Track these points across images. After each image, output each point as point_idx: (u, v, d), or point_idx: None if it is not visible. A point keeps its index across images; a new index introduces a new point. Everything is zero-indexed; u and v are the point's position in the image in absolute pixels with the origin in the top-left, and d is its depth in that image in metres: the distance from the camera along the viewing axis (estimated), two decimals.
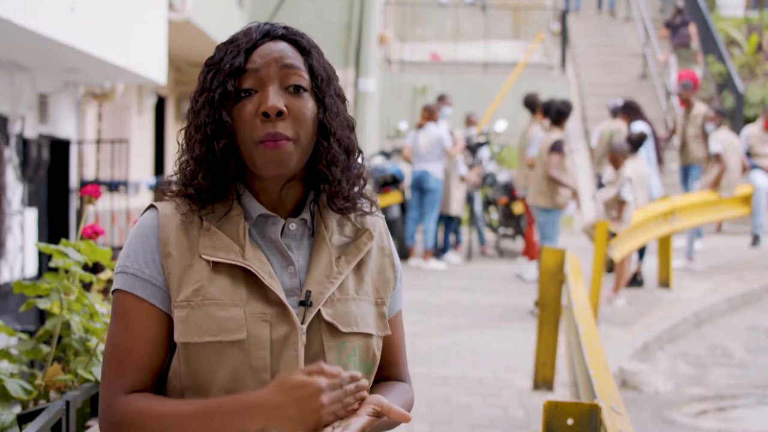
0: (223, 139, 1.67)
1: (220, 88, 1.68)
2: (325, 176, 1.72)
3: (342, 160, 1.73)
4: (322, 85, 1.72)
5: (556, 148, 8.59)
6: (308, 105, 1.69)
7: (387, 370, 1.84)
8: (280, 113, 1.65)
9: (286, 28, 1.75)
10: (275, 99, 1.66)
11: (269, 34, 1.72)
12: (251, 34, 1.71)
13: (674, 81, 17.23)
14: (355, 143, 1.77)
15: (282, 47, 1.71)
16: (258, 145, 1.66)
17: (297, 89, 1.69)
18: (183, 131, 1.74)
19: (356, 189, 1.77)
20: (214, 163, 1.68)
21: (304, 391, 1.53)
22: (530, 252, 10.83)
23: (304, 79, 1.70)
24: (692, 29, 16.71)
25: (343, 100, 1.77)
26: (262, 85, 1.68)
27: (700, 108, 11.78)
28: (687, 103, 11.80)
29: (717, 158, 10.95)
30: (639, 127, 10.29)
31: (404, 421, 1.64)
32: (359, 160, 1.78)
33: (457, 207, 11.80)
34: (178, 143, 1.75)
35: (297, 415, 1.53)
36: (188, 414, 1.59)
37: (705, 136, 11.45)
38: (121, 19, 7.55)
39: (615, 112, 11.28)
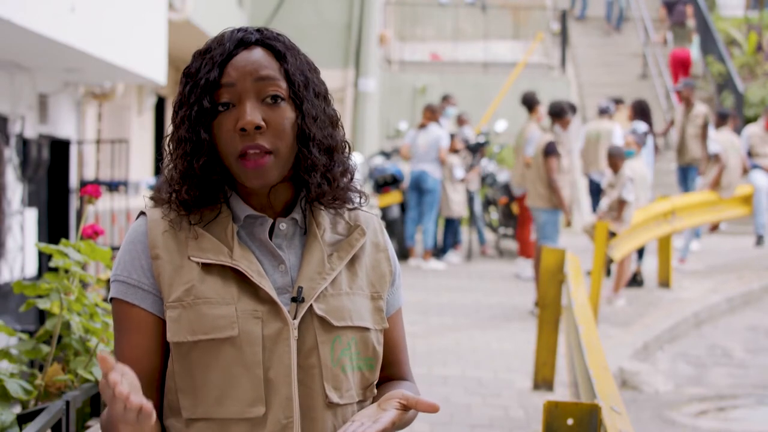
0: (202, 156, 1.68)
1: (196, 104, 1.68)
2: (306, 181, 1.73)
3: (322, 164, 1.72)
4: (300, 90, 1.71)
5: (550, 150, 8.51)
6: (286, 115, 1.69)
7: (389, 370, 1.84)
8: (258, 127, 1.66)
9: (259, 31, 1.74)
10: (252, 114, 1.66)
11: (243, 42, 1.71)
12: (224, 43, 1.70)
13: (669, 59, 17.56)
14: (338, 140, 1.76)
15: (256, 57, 1.70)
16: (238, 160, 1.67)
17: (274, 99, 1.68)
18: (168, 139, 1.75)
19: (343, 183, 1.76)
20: (196, 177, 1.69)
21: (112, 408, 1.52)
22: (526, 250, 10.84)
23: (281, 88, 1.69)
24: (689, 9, 16.96)
25: (324, 97, 1.76)
26: (239, 100, 1.67)
27: (700, 108, 11.76)
28: (687, 102, 11.76)
29: (716, 158, 10.97)
30: (642, 127, 10.28)
31: (433, 411, 1.65)
32: (345, 153, 1.77)
33: (458, 209, 11.75)
34: (165, 150, 1.75)
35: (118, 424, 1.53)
36: (103, 423, 1.64)
37: (705, 136, 11.46)
38: (121, 19, 7.55)
39: (603, 113, 11.26)
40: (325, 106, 1.75)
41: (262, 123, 1.66)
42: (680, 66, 17.44)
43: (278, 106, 1.68)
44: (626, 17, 20.36)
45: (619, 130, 10.86)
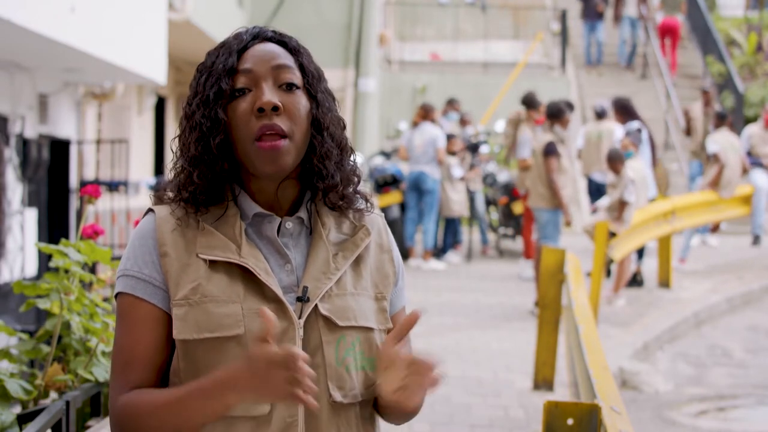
0: (219, 135, 1.70)
1: (214, 87, 1.71)
2: (320, 170, 1.74)
3: (335, 155, 1.76)
4: (314, 81, 1.76)
5: (550, 150, 8.51)
6: (302, 101, 1.73)
7: None
8: (275, 108, 1.68)
9: (273, 31, 1.79)
10: (270, 95, 1.69)
11: (259, 35, 1.76)
12: (241, 36, 1.76)
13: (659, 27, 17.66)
14: (347, 141, 1.80)
15: (273, 47, 1.75)
16: (254, 143, 1.69)
17: (290, 86, 1.72)
18: (177, 138, 1.77)
19: (351, 187, 1.79)
20: (209, 161, 1.70)
21: (257, 364, 1.53)
22: (527, 250, 10.86)
23: (297, 77, 1.73)
24: None
25: (334, 99, 1.80)
26: (256, 84, 1.71)
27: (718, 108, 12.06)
28: (708, 102, 11.99)
29: (715, 158, 10.99)
30: (634, 125, 10.27)
31: (415, 319, 1.67)
32: (352, 158, 1.81)
33: (458, 208, 11.74)
34: (172, 151, 1.77)
35: (257, 386, 1.54)
36: (174, 401, 1.63)
37: None
38: (121, 19, 7.55)
39: (601, 114, 11.28)
40: (335, 107, 1.79)
41: (279, 104, 1.69)
42: (669, 34, 17.77)
43: (294, 93, 1.72)
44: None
45: (619, 130, 10.86)
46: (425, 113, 11.36)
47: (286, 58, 1.74)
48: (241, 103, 1.70)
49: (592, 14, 18.23)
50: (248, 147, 1.69)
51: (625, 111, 10.68)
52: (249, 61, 1.72)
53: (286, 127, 1.69)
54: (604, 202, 9.01)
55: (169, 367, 1.72)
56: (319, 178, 1.75)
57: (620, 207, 8.65)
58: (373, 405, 1.81)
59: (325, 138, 1.74)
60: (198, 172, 1.70)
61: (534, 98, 10.62)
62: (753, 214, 11.82)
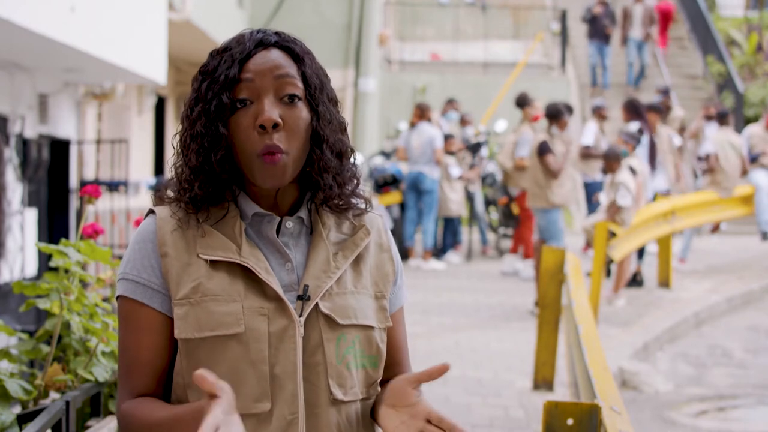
0: (220, 150, 1.70)
1: (215, 99, 1.70)
2: (317, 181, 1.75)
3: (334, 166, 1.76)
4: (316, 92, 1.74)
5: (544, 149, 8.58)
6: (302, 115, 1.72)
7: (390, 370, 1.85)
8: (275, 125, 1.68)
9: (278, 34, 1.77)
10: (271, 111, 1.68)
11: (262, 42, 1.74)
12: (244, 42, 1.73)
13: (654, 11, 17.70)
14: (347, 145, 1.80)
15: (276, 56, 1.73)
16: (258, 158, 1.69)
17: (291, 98, 1.71)
18: (178, 136, 1.76)
19: (349, 188, 1.79)
20: (210, 173, 1.71)
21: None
22: (526, 250, 10.89)
23: (298, 88, 1.72)
24: None
25: (336, 102, 1.80)
26: (257, 96, 1.70)
27: (677, 112, 12.15)
28: (665, 107, 12.16)
29: (707, 158, 11.02)
30: (632, 126, 10.28)
31: (443, 371, 1.72)
32: (352, 160, 1.81)
33: (456, 208, 11.76)
34: (173, 147, 1.77)
35: None
36: (162, 422, 1.65)
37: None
38: (121, 19, 7.55)
39: (594, 111, 11.45)
40: (336, 112, 1.79)
41: (280, 120, 1.68)
42: (662, 19, 17.82)
43: (295, 106, 1.71)
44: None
45: (589, 128, 11.01)
46: (421, 113, 11.37)
47: (289, 67, 1.72)
48: (242, 117, 1.70)
49: (600, 36, 17.45)
50: (248, 160, 1.69)
51: (632, 111, 10.70)
52: (251, 72, 1.70)
53: (286, 143, 1.69)
54: (603, 202, 9.00)
55: (172, 369, 1.73)
56: (318, 187, 1.76)
57: (616, 208, 8.61)
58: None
59: (324, 151, 1.74)
60: (199, 182, 1.71)
61: (526, 96, 10.74)
62: (757, 212, 11.82)
